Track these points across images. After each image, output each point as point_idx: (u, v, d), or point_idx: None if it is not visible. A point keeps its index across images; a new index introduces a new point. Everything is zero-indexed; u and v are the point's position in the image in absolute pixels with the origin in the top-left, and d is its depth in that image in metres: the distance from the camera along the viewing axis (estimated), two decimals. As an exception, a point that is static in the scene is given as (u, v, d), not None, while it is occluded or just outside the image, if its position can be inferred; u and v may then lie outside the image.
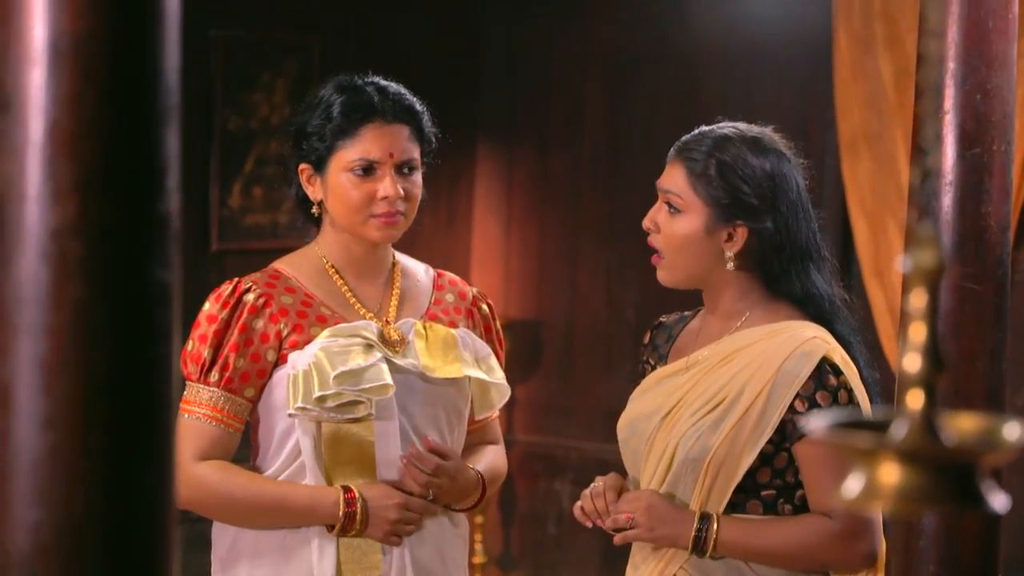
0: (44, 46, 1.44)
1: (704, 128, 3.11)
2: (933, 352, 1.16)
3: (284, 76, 5.96)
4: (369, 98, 3.10)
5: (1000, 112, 2.63)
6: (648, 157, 6.45)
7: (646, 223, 3.09)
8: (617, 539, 3.07)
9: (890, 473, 1.15)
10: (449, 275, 3.36)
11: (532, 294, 6.68)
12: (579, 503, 3.10)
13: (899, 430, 1.17)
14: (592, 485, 3.09)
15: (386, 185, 3.09)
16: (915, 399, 1.17)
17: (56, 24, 1.44)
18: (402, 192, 3.10)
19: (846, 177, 5.70)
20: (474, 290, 3.36)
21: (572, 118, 6.59)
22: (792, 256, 3.04)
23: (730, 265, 3.04)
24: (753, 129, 3.11)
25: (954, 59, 2.62)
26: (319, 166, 3.13)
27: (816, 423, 1.21)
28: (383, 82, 3.15)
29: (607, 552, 6.37)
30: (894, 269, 5.54)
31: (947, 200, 2.64)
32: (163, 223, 1.49)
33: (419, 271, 3.31)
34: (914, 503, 1.15)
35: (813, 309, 3.05)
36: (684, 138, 3.11)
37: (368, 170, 3.10)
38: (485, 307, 3.34)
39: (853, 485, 1.16)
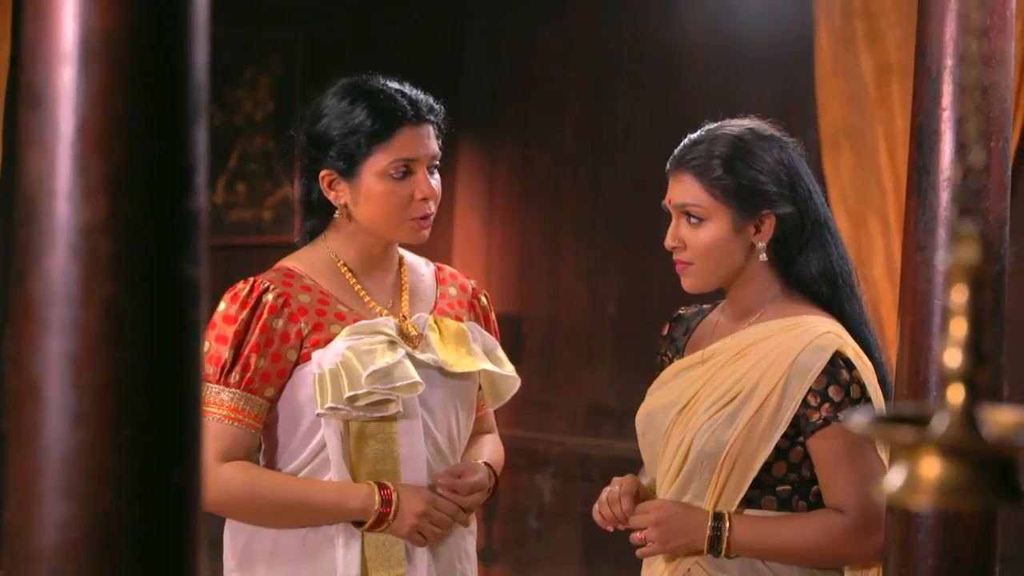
0: (75, 43, 1.45)
1: (693, 136, 3.07)
2: (974, 347, 1.18)
3: (268, 73, 5.96)
4: (398, 101, 3.09)
5: (998, 109, 2.64)
6: (629, 154, 6.47)
7: (670, 242, 3.05)
8: (638, 553, 3.07)
9: (931, 467, 1.17)
10: (448, 268, 3.37)
11: (513, 289, 6.68)
12: (596, 507, 3.09)
13: (940, 424, 1.18)
14: (608, 489, 3.08)
15: (423, 186, 3.10)
16: (956, 393, 1.18)
17: (87, 21, 1.44)
18: (437, 191, 3.12)
19: (827, 173, 5.72)
20: (472, 282, 3.37)
21: (554, 115, 6.60)
22: (812, 231, 3.04)
23: (763, 256, 3.03)
24: (743, 122, 3.10)
25: (952, 56, 2.64)
26: (347, 172, 3.11)
27: (856, 418, 1.22)
28: (396, 84, 3.14)
29: (588, 546, 6.38)
30: (876, 265, 5.57)
31: (944, 196, 2.66)
32: (192, 220, 1.49)
33: (421, 265, 3.31)
34: (954, 497, 1.16)
35: (827, 288, 3.05)
36: (678, 150, 3.07)
37: (406, 172, 3.10)
38: (484, 299, 3.36)
39: (894, 479, 1.18)
